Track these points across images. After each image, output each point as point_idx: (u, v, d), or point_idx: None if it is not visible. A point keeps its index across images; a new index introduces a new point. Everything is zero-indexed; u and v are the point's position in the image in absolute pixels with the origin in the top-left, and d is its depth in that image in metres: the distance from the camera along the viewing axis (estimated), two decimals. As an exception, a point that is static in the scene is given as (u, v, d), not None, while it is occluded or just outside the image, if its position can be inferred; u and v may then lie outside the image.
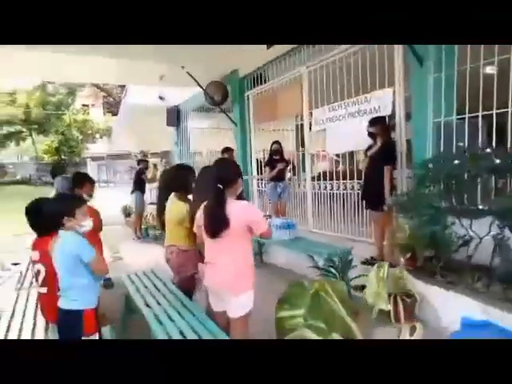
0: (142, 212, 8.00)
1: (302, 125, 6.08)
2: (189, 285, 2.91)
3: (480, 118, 3.25)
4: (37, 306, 2.65)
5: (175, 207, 2.86)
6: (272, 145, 6.08)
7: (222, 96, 7.45)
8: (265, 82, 6.91)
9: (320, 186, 5.63)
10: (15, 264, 4.35)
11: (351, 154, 5.88)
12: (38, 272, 2.33)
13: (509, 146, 3.02)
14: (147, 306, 2.62)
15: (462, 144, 3.15)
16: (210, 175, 2.48)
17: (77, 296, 2.04)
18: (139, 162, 8.56)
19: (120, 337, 2.83)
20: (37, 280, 2.38)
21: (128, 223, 9.40)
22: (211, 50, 6.04)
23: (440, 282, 3.10)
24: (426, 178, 3.09)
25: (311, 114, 5.64)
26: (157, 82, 8.22)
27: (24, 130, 24.21)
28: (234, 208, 2.20)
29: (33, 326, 2.39)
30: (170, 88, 9.88)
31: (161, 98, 10.51)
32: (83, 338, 2.02)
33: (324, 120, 5.34)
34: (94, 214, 2.96)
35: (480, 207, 2.77)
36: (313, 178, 6.02)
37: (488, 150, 2.68)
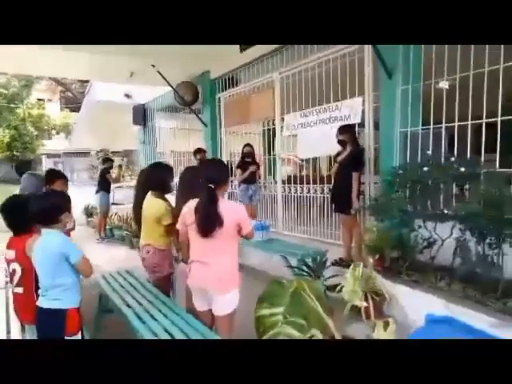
0: (107, 212, 7.78)
1: (269, 129, 6.25)
2: (165, 284, 2.91)
3: (443, 129, 3.51)
4: (8, 307, 2.55)
5: (154, 204, 2.85)
6: (244, 147, 6.15)
7: (192, 97, 7.44)
8: (236, 85, 6.99)
9: (291, 190, 5.78)
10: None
11: (315, 159, 6.13)
12: (14, 271, 2.25)
13: (468, 155, 3.30)
14: (127, 305, 2.59)
15: (428, 153, 3.39)
16: (197, 175, 2.52)
17: (60, 295, 2.00)
18: (104, 160, 8.30)
19: (94, 337, 2.78)
20: (11, 280, 2.29)
21: (91, 224, 9.09)
22: (183, 49, 6.04)
23: (406, 281, 3.31)
24: (395, 183, 3.30)
25: (283, 119, 5.80)
26: (125, 79, 8.06)
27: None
28: (226, 207, 2.25)
29: (7, 328, 2.29)
30: (137, 86, 9.71)
31: (127, 95, 10.29)
32: (66, 338, 1.98)
33: (295, 125, 5.49)
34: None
35: (444, 211, 3.00)
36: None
37: (452, 159, 2.91)
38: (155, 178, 2.91)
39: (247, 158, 6.08)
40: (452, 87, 3.45)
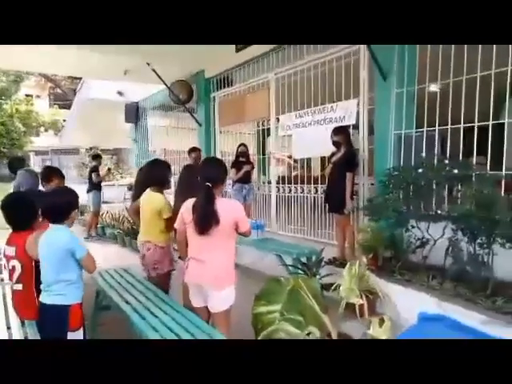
0: (99, 211, 7.74)
1: (263, 130, 6.31)
2: (164, 281, 2.93)
3: (436, 132, 3.60)
4: (6, 303, 2.54)
5: (154, 198, 2.88)
6: (238, 147, 6.19)
7: (187, 95, 7.46)
8: (231, 85, 7.02)
9: (285, 190, 5.83)
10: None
11: (306, 159, 6.21)
12: (13, 268, 2.24)
13: (461, 157, 3.40)
14: (126, 302, 2.61)
15: (422, 155, 3.47)
16: (196, 173, 2.55)
17: (63, 290, 2.01)
18: (93, 157, 8.19)
19: (91, 334, 2.78)
20: (11, 277, 2.29)
21: (81, 222, 9.01)
22: (177, 48, 6.05)
23: (399, 280, 3.38)
24: (389, 184, 3.38)
25: (278, 119, 5.85)
26: (118, 76, 8.03)
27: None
28: (223, 206, 2.29)
29: (6, 324, 2.28)
30: (130, 84, 9.66)
31: (120, 93, 10.23)
32: (69, 333, 2.00)
33: (290, 126, 5.55)
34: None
35: (437, 212, 3.09)
36: (270, 182, 6.27)
37: (446, 161, 2.99)
38: (154, 174, 2.94)
39: (242, 158, 6.11)
40: (445, 90, 3.54)
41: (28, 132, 24.56)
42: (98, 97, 10.24)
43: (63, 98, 27.85)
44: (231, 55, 6.33)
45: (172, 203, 2.92)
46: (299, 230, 5.58)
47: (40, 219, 2.32)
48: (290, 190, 5.74)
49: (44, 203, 2.09)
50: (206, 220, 2.25)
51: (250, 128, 7.89)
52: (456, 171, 2.85)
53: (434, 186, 3.15)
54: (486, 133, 3.29)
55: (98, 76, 9.14)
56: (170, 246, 2.96)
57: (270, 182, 6.31)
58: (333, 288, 3.31)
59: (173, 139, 9.09)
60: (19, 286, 2.26)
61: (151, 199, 2.86)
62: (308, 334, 2.38)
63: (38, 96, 28.92)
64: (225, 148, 7.47)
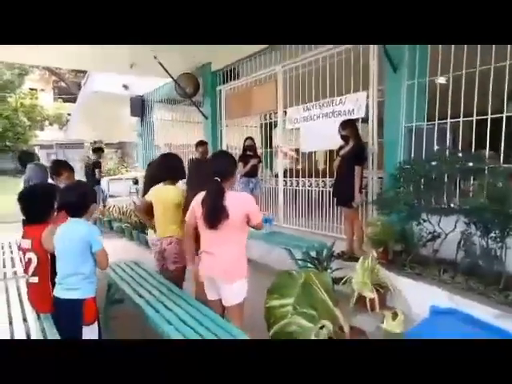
0: (103, 205, 7.77)
1: (268, 123, 6.28)
2: (180, 275, 2.94)
3: (448, 124, 3.56)
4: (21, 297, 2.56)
5: (172, 190, 2.89)
6: (245, 140, 6.16)
7: (193, 89, 7.41)
8: (237, 78, 6.97)
9: (292, 183, 5.81)
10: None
11: (311, 152, 6.17)
12: (30, 261, 2.25)
13: (473, 150, 3.36)
14: (139, 295, 2.62)
15: (435, 147, 3.44)
16: (206, 168, 2.53)
17: (78, 284, 2.02)
18: (94, 150, 8.14)
19: (104, 328, 2.80)
20: (26, 269, 2.30)
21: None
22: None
23: (409, 274, 3.37)
24: (401, 178, 3.35)
25: (285, 112, 5.81)
26: (124, 69, 8.00)
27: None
28: (233, 199, 2.28)
29: (22, 316, 2.31)
30: (135, 77, 9.62)
31: (125, 86, 10.20)
32: (84, 327, 2.01)
33: (298, 119, 5.51)
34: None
35: (450, 205, 3.06)
36: (277, 175, 6.24)
37: (459, 154, 2.96)
38: (169, 168, 2.93)
39: (249, 152, 6.09)
40: (457, 82, 3.49)
41: (33, 126, 24.61)
42: (103, 90, 10.22)
43: (67, 92, 27.82)
44: (238, 48, 6.28)
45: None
46: (306, 224, 5.56)
47: (55, 213, 2.32)
48: (298, 184, 5.71)
49: (63, 197, 2.10)
50: (214, 214, 2.25)
51: (256, 121, 7.86)
52: (470, 164, 2.81)
53: (447, 179, 3.12)
54: (499, 125, 3.25)
55: (103, 69, 9.11)
56: None
57: (276, 176, 6.29)
58: (343, 281, 3.31)
59: (179, 133, 9.07)
60: (35, 279, 2.27)
61: (169, 192, 2.86)
62: (321, 328, 2.38)
63: (42, 90, 28.89)
64: (231, 142, 7.45)
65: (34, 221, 2.30)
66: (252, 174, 6.04)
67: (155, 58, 6.52)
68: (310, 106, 5.32)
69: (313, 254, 3.89)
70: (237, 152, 6.71)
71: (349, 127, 4.43)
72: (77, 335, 2.00)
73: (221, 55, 6.79)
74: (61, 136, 24.81)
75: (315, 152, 6.28)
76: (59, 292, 2.06)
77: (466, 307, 2.84)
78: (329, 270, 3.50)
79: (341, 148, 4.57)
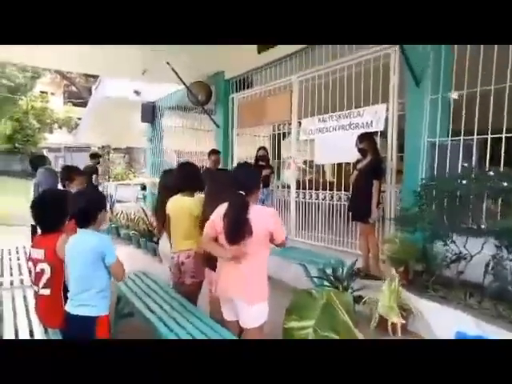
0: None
1: (278, 134, 6.20)
2: (196, 290, 2.81)
3: (475, 141, 3.42)
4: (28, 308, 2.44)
5: (191, 202, 2.76)
6: (258, 150, 6.07)
7: (206, 96, 7.35)
8: (251, 86, 6.90)
9: (305, 195, 5.68)
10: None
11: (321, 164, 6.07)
12: (42, 271, 2.12)
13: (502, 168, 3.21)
14: (150, 310, 2.49)
15: (463, 165, 3.30)
16: (228, 180, 2.42)
17: (91, 300, 1.90)
18: (91, 156, 7.98)
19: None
20: (36, 281, 2.17)
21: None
22: (197, 49, 5.97)
23: (432, 297, 3.21)
24: (425, 195, 3.21)
25: (299, 123, 5.70)
26: (136, 75, 7.97)
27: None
28: (257, 214, 2.16)
29: (29, 328, 2.19)
30: (147, 83, 9.61)
31: (136, 92, 10.17)
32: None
33: (313, 130, 5.40)
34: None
35: (478, 226, 2.91)
36: (285, 186, 6.12)
37: (491, 173, 2.82)
38: (187, 177, 2.81)
39: (261, 162, 5.98)
40: (485, 97, 3.36)
41: (42, 128, 24.76)
42: (115, 95, 10.20)
43: (77, 96, 28.04)
44: (253, 57, 6.22)
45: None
46: (319, 238, 5.42)
47: (68, 221, 2.21)
48: (311, 196, 5.58)
49: (69, 206, 1.99)
50: (237, 230, 2.12)
51: (266, 131, 7.76)
52: (503, 183, 2.67)
53: (475, 198, 2.98)
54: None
55: (115, 75, 9.08)
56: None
57: (288, 187, 6.16)
58: (363, 302, 3.16)
59: (189, 140, 9.00)
60: (47, 291, 2.14)
61: (187, 204, 2.74)
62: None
63: (52, 93, 29.15)
64: (241, 151, 7.35)
65: (48, 229, 2.18)
66: (264, 184, 5.91)
67: (168, 64, 6.48)
68: (325, 118, 5.21)
69: (328, 270, 3.75)
70: (247, 161, 6.60)
71: (366, 140, 4.32)
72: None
73: (235, 63, 6.73)
74: (69, 139, 24.94)
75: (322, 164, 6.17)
76: (71, 308, 1.93)
77: (494, 335, 2.68)
78: (350, 290, 3.34)
79: (358, 161, 4.46)
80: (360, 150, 4.36)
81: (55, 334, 2.08)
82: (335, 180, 5.19)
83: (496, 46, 3.22)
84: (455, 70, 3.59)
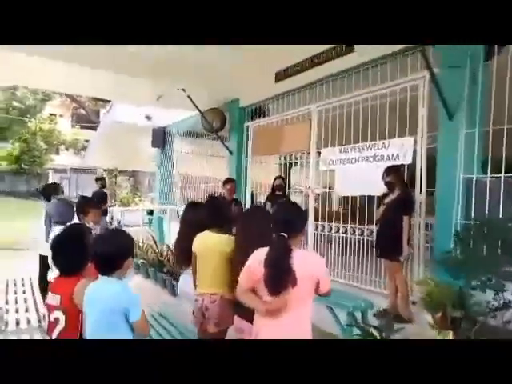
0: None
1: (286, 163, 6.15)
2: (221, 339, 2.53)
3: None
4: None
5: (220, 240, 2.51)
6: (275, 180, 5.88)
7: (220, 123, 7.25)
8: (266, 115, 6.81)
9: (324, 228, 5.45)
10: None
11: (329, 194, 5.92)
12: (56, 321, 1.88)
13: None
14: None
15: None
16: (267, 219, 2.20)
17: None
18: (96, 180, 7.81)
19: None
20: (50, 332, 1.93)
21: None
22: (212, 75, 5.93)
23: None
24: (471, 238, 2.98)
25: (318, 153, 5.55)
26: (150, 101, 7.94)
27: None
28: (302, 260, 1.92)
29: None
30: (158, 108, 9.59)
31: (147, 117, 10.15)
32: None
33: (334, 160, 5.23)
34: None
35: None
36: None
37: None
38: (219, 212, 2.59)
39: (278, 192, 5.79)
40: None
41: (49, 150, 24.87)
42: (125, 120, 10.17)
43: (85, 119, 28.36)
44: (270, 85, 6.16)
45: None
46: (340, 275, 5.14)
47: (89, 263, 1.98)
48: (331, 229, 5.35)
49: (93, 249, 1.76)
50: (280, 278, 1.87)
51: (275, 160, 7.61)
52: None
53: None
54: None
55: (130, 100, 9.05)
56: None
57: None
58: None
59: (200, 166, 8.87)
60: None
61: (217, 242, 2.50)
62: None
63: (61, 115, 29.50)
64: (256, 179, 7.19)
65: (67, 272, 1.95)
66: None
67: (184, 91, 6.42)
68: (347, 148, 5.05)
69: (357, 314, 3.47)
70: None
71: (394, 173, 4.13)
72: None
73: (250, 92, 6.67)
74: (76, 161, 25.02)
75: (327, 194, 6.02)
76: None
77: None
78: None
79: (385, 195, 4.25)
80: (387, 184, 4.17)
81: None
82: (358, 213, 4.98)
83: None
84: (493, 103, 3.43)
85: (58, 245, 2.00)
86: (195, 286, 2.64)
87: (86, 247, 1.94)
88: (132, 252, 1.84)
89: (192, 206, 2.98)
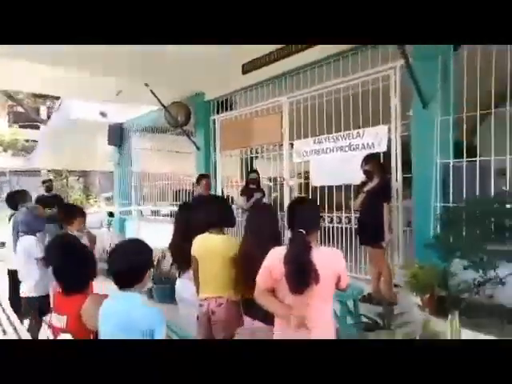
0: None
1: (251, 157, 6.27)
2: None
3: (492, 162, 3.42)
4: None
5: (225, 241, 2.42)
6: (250, 173, 5.82)
7: (185, 117, 7.03)
8: (232, 108, 6.69)
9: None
10: None
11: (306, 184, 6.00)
12: (64, 344, 1.70)
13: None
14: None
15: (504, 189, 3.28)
16: (275, 216, 2.14)
17: None
18: (43, 182, 7.15)
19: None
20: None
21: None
22: (175, 69, 5.71)
23: (467, 325, 3.08)
24: (452, 219, 3.12)
25: (291, 144, 5.55)
26: (109, 97, 7.52)
27: None
28: (322, 256, 1.89)
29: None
30: (114, 104, 9.11)
31: (102, 114, 9.59)
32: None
33: (308, 152, 5.26)
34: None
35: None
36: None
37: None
38: (221, 212, 2.48)
39: (252, 185, 5.73)
40: (501, 119, 3.38)
41: (-15, 152, 22.87)
42: (78, 117, 9.53)
43: (24, 118, 26.32)
44: (237, 77, 6.04)
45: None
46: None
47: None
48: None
49: (112, 262, 1.61)
50: (302, 276, 1.82)
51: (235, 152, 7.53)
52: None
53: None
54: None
55: (87, 97, 8.46)
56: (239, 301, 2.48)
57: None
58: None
59: (162, 163, 8.56)
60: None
61: (219, 244, 2.39)
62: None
63: (-5, 114, 27.16)
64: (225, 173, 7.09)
65: (71, 290, 1.76)
66: (256, 208, 5.65)
67: (147, 85, 6.13)
68: (321, 139, 5.09)
69: (349, 303, 3.53)
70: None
71: (372, 162, 4.22)
72: None
73: (216, 85, 6.52)
74: (16, 163, 23.20)
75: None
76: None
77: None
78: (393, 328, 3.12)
79: (364, 184, 4.34)
80: (366, 172, 4.25)
81: None
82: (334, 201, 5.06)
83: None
84: (465, 88, 3.60)
85: (60, 260, 1.80)
86: (198, 291, 2.53)
87: (89, 261, 1.78)
88: (152, 263, 1.70)
89: (187, 207, 2.84)
